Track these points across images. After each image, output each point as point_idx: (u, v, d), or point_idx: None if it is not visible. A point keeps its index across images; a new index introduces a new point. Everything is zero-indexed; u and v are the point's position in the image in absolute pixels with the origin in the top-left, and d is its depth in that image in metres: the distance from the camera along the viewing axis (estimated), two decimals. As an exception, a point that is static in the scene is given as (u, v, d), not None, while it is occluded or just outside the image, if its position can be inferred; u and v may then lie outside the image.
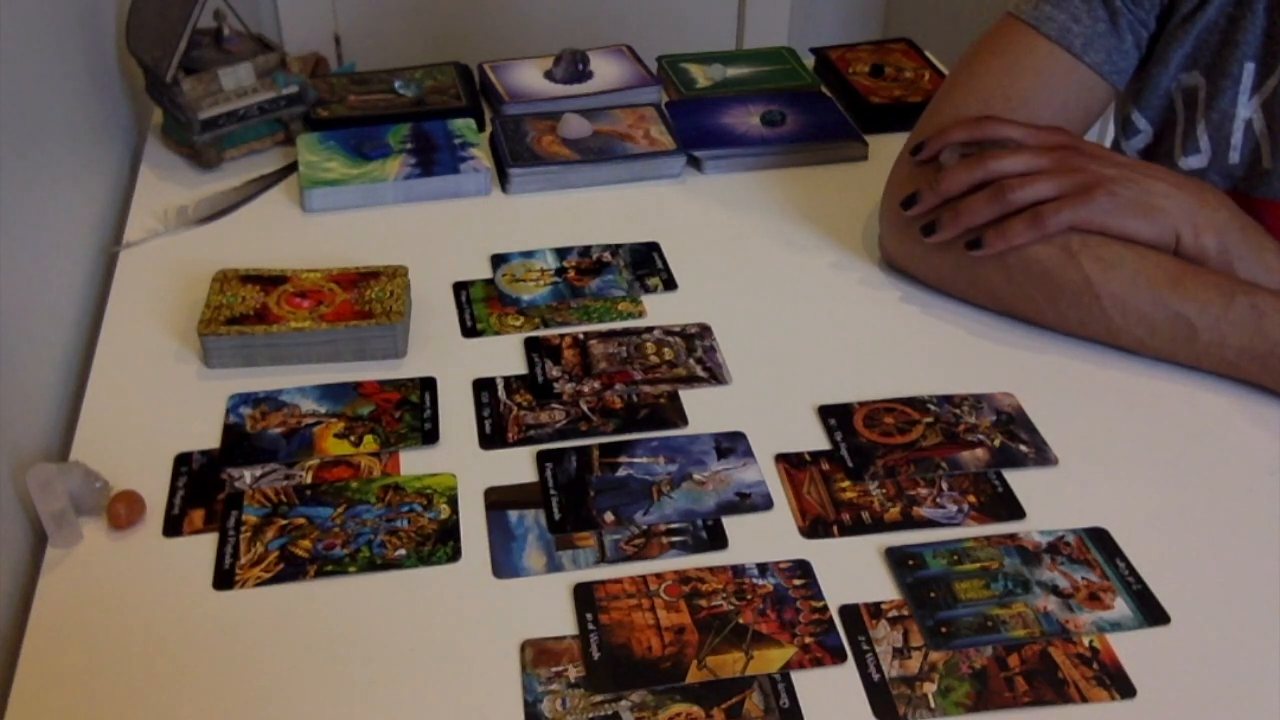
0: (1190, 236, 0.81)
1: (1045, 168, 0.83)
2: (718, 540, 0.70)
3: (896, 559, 0.68)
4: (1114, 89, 0.93)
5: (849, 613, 0.65)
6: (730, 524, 0.71)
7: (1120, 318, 0.82)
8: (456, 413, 0.79)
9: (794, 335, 0.88)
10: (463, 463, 0.75)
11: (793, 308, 0.91)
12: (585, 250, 0.97)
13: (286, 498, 0.72)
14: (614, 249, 0.97)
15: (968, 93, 0.92)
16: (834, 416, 0.79)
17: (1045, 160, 0.83)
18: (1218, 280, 0.79)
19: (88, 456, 0.73)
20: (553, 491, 0.73)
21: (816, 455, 0.76)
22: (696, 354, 0.85)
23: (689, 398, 0.81)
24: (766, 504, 0.72)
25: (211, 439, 0.76)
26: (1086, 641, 0.63)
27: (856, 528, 0.71)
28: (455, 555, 0.68)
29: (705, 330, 0.87)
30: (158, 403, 0.80)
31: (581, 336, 0.86)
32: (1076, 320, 0.84)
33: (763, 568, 0.67)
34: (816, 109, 1.16)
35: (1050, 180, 0.82)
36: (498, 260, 0.95)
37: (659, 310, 0.90)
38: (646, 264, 0.95)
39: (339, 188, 1.02)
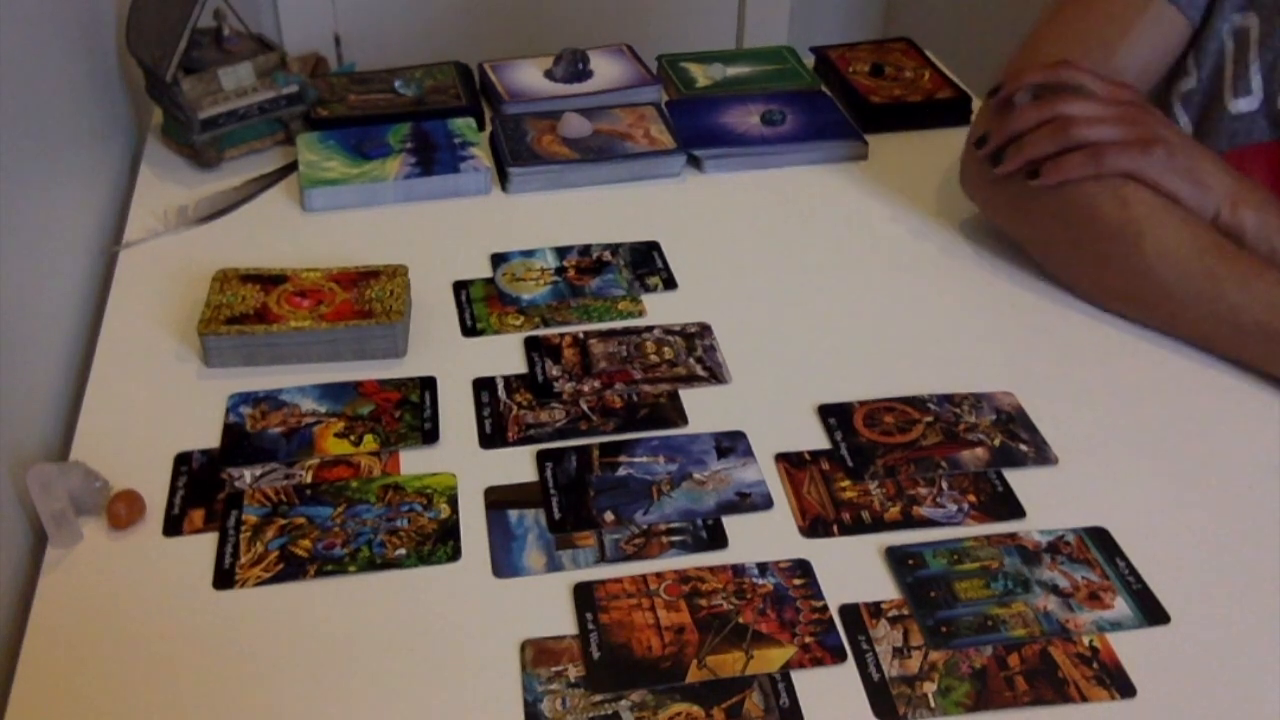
0: (1229, 211, 0.83)
1: (1111, 116, 0.86)
2: (718, 540, 0.70)
3: (896, 558, 0.68)
4: (1190, 23, 0.95)
5: (849, 612, 0.65)
6: (730, 524, 0.71)
7: (1156, 259, 0.83)
8: (456, 412, 0.79)
9: (794, 335, 0.88)
10: (463, 462, 0.75)
11: (793, 308, 0.91)
12: (585, 250, 0.97)
13: (286, 497, 0.72)
14: (614, 248, 0.97)
15: (1047, 37, 0.96)
16: (834, 416, 0.79)
17: (1112, 110, 0.86)
18: (1253, 259, 0.82)
19: (88, 456, 0.73)
20: (553, 491, 0.73)
21: (816, 455, 0.76)
22: (696, 353, 0.85)
23: (689, 397, 0.81)
24: (766, 504, 0.72)
25: (211, 439, 0.76)
26: (1086, 641, 0.63)
27: (856, 527, 0.70)
28: (455, 555, 0.68)
29: (705, 330, 0.87)
30: (158, 403, 0.80)
31: (581, 336, 0.86)
32: (1110, 254, 0.86)
33: (763, 567, 0.67)
34: (816, 109, 1.16)
35: (1113, 125, 0.86)
36: (498, 259, 0.95)
37: (659, 310, 0.90)
38: (646, 263, 0.95)
39: (339, 187, 1.02)
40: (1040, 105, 0.88)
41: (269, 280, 0.87)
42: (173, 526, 0.70)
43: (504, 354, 0.85)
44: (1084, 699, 0.60)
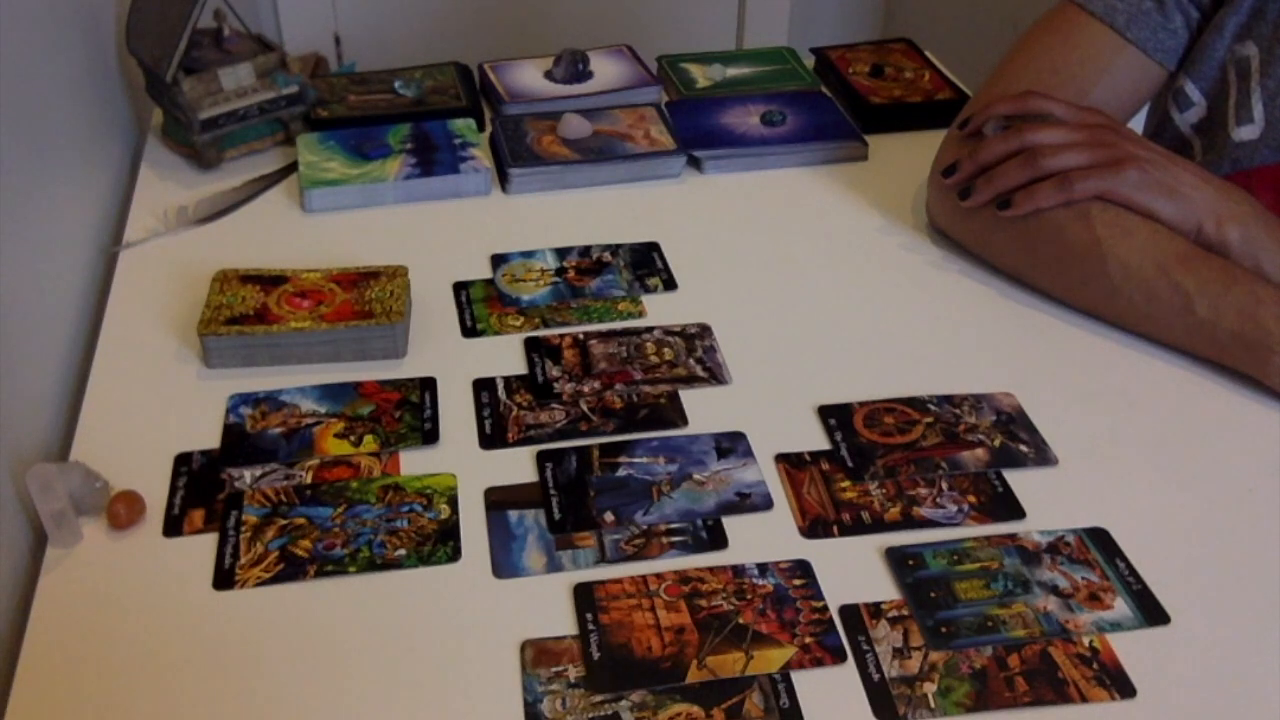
0: (1212, 226, 0.82)
1: (1080, 141, 0.86)
2: (718, 540, 0.70)
3: (896, 559, 0.68)
4: (1162, 69, 0.96)
5: (849, 613, 0.65)
6: (730, 524, 0.71)
7: (1122, 279, 0.83)
8: (456, 413, 0.79)
9: (794, 335, 0.88)
10: (463, 463, 0.75)
11: (793, 308, 0.91)
12: (585, 250, 0.97)
13: (286, 498, 0.72)
14: (614, 249, 0.97)
15: (1020, 68, 0.96)
16: (834, 416, 0.79)
17: (1081, 135, 0.86)
18: (1224, 265, 0.81)
19: (88, 456, 0.73)
20: (553, 491, 0.73)
21: (816, 455, 0.76)
22: (696, 354, 0.85)
23: (689, 398, 0.81)
24: (766, 504, 0.72)
25: (211, 439, 0.76)
26: (1086, 641, 0.63)
27: (856, 528, 0.71)
28: (455, 555, 0.68)
29: (705, 330, 0.87)
30: (158, 403, 0.80)
31: (581, 336, 0.86)
32: (1080, 277, 0.86)
33: (763, 568, 0.67)
34: (816, 109, 1.16)
35: (1082, 151, 0.85)
36: (498, 260, 0.95)
37: (659, 310, 0.90)
38: (646, 264, 0.95)
39: (339, 188, 1.02)
40: (1008, 136, 0.88)
41: (269, 281, 0.87)
42: (173, 527, 0.70)
43: (504, 355, 0.85)
44: (1084, 699, 0.60)
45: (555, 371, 0.83)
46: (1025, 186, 0.87)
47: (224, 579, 0.67)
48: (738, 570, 0.67)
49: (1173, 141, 0.98)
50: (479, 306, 0.90)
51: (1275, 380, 0.79)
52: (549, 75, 1.20)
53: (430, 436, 0.77)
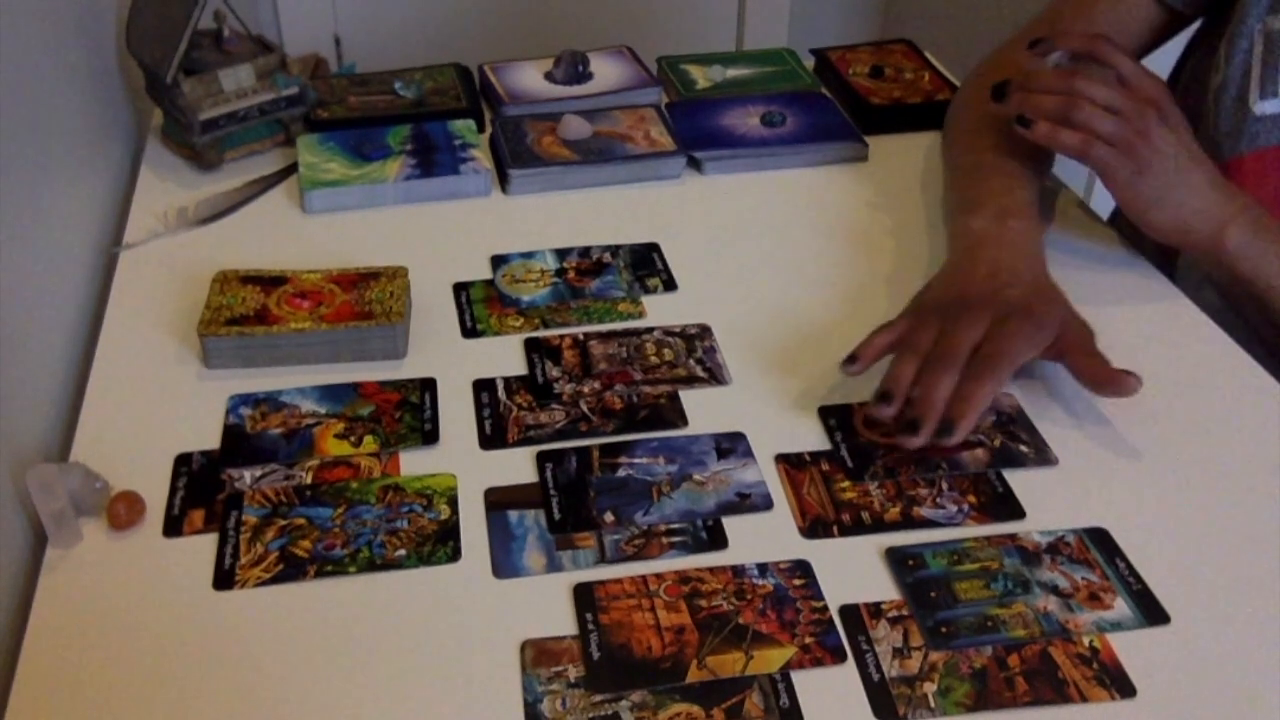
0: (1213, 229, 0.85)
1: (1119, 109, 0.85)
2: (718, 540, 0.70)
3: (896, 559, 0.68)
4: (1178, 13, 0.98)
5: (849, 613, 0.65)
6: (730, 524, 0.71)
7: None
8: (456, 413, 0.79)
9: (794, 336, 0.88)
10: (463, 463, 0.75)
11: (793, 308, 0.91)
12: (585, 251, 0.97)
13: (286, 498, 0.72)
14: (614, 249, 0.97)
15: (1043, 21, 1.01)
16: (834, 416, 0.79)
17: (1125, 105, 0.85)
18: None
19: (88, 456, 0.73)
20: (553, 492, 0.73)
21: (816, 455, 0.76)
22: (696, 354, 0.85)
23: (689, 398, 0.81)
24: (766, 504, 0.72)
25: (211, 439, 0.77)
26: (1086, 641, 0.63)
27: (856, 528, 0.71)
28: (455, 555, 0.68)
29: (705, 330, 0.87)
30: (158, 403, 0.80)
31: (581, 337, 0.86)
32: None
33: (763, 568, 0.67)
34: (816, 110, 1.16)
35: (1115, 122, 0.84)
36: (498, 261, 0.95)
37: (659, 311, 0.90)
38: (646, 264, 0.95)
39: (339, 189, 1.02)
40: (1064, 74, 0.87)
41: (269, 282, 0.87)
42: (173, 527, 0.70)
43: (504, 355, 0.85)
44: (1084, 699, 0.60)
45: (555, 372, 0.83)
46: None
47: (224, 579, 0.67)
48: (738, 570, 0.67)
49: (1193, 109, 0.97)
50: (479, 307, 0.90)
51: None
52: (549, 76, 1.20)
53: (430, 437, 0.77)
